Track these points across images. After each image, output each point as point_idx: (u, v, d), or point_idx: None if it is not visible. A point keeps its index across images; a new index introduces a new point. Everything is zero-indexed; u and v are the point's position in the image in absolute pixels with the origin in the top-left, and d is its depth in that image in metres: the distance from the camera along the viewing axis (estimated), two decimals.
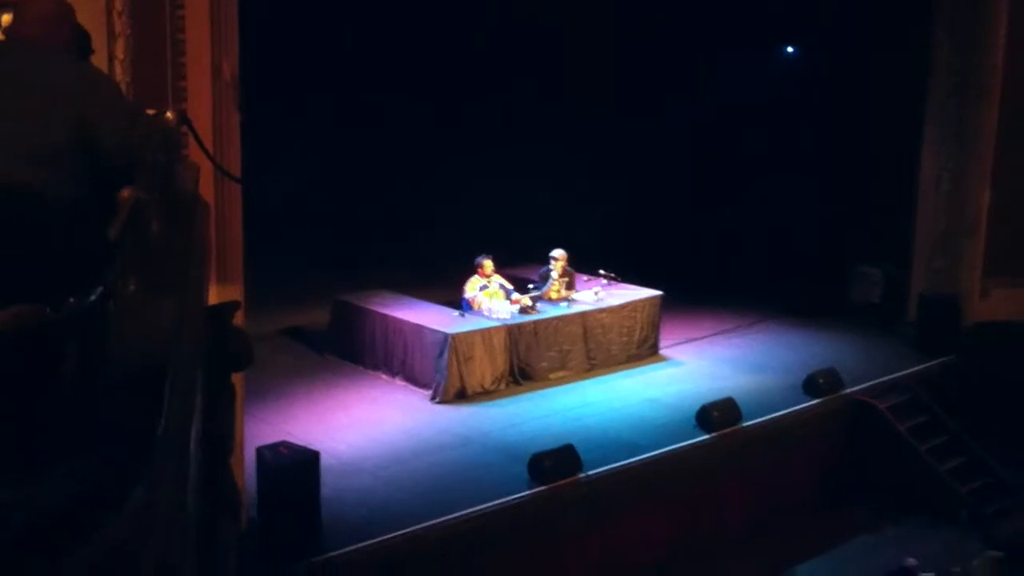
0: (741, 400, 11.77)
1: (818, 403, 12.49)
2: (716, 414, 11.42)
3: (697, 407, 11.57)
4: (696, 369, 13.49)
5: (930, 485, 12.32)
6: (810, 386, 12.61)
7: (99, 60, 6.49)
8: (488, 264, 12.99)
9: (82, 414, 2.01)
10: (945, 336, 14.45)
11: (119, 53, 6.88)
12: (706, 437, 11.31)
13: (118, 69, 6.88)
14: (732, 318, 15.52)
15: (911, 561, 10.24)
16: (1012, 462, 12.76)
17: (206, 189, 5.68)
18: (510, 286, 13.15)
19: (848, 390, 12.85)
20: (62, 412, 2.04)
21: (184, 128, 3.18)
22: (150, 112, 3.05)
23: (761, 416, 11.88)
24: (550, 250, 13.50)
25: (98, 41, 6.85)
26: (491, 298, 12.83)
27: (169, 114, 3.09)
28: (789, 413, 12.19)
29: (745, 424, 11.65)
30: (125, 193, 2.42)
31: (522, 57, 17.52)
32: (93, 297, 2.20)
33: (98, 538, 1.74)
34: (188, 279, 2.45)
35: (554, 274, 13.40)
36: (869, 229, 16.78)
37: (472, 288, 12.93)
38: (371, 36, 16.38)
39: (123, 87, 6.37)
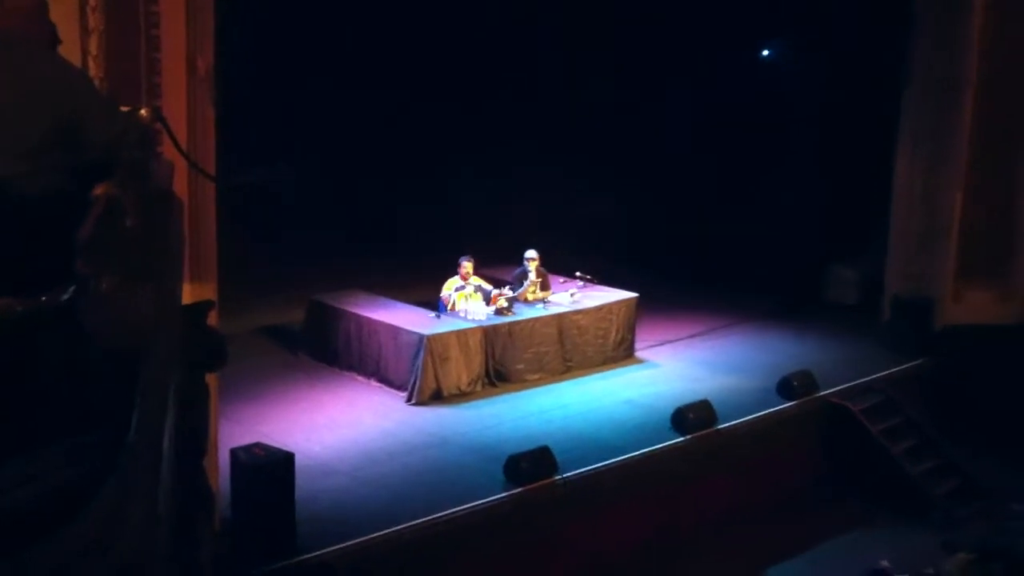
0: (716, 402, 11.79)
1: (793, 405, 12.53)
2: (692, 416, 11.44)
3: (673, 409, 11.58)
4: (672, 371, 13.51)
5: (903, 487, 12.38)
6: (784, 388, 12.65)
7: (72, 56, 6.44)
8: (468, 266, 12.96)
9: (55, 407, 1.98)
10: (918, 338, 14.54)
11: (93, 49, 6.81)
12: (682, 439, 11.32)
13: (92, 65, 6.81)
14: (708, 320, 15.55)
15: (884, 563, 10.28)
16: (984, 464, 12.85)
17: (180, 186, 5.63)
18: (489, 286, 13.12)
19: (822, 392, 12.90)
20: (33, 404, 2.01)
21: (158, 125, 3.15)
22: (125, 109, 3.02)
23: (736, 418, 11.91)
24: (526, 250, 13.51)
25: (71, 36, 6.80)
26: (466, 299, 12.80)
27: (144, 111, 3.06)
28: (764, 416, 12.22)
29: (720, 426, 11.67)
30: (100, 189, 2.39)
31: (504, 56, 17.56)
32: (67, 295, 2.17)
33: (68, 533, 1.71)
34: (162, 275, 2.42)
35: (531, 275, 13.39)
36: (846, 230, 16.89)
37: (448, 288, 12.91)
38: (361, 32, 16.35)
39: (97, 83, 6.31)
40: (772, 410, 12.36)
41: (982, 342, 14.18)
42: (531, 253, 13.45)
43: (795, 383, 12.65)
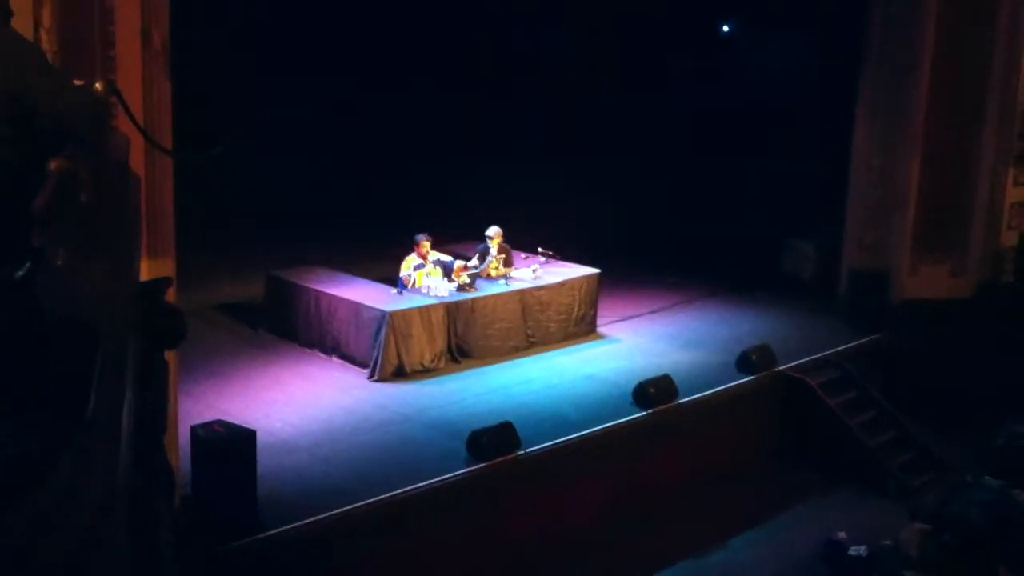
0: (677, 377, 11.87)
1: (752, 380, 12.64)
2: (653, 391, 11.51)
3: (634, 384, 11.65)
4: (633, 346, 13.58)
5: (860, 459, 12.53)
6: (744, 363, 12.76)
7: (24, 29, 6.32)
8: (425, 244, 12.91)
9: (8, 381, 1.95)
10: (874, 312, 14.70)
11: (45, 21, 6.69)
12: (643, 413, 11.40)
13: (44, 37, 6.68)
14: (669, 295, 15.64)
15: (841, 535, 10.43)
16: (939, 436, 13.04)
17: (136, 161, 5.57)
18: (449, 258, 13.08)
19: (781, 367, 13.03)
20: None
21: (113, 98, 3.11)
22: (78, 82, 2.98)
23: (697, 392, 12.00)
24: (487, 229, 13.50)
25: (24, 8, 6.66)
26: (427, 277, 12.77)
27: (98, 84, 3.02)
28: (724, 390, 12.32)
29: (681, 400, 11.76)
30: (54, 163, 2.35)
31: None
32: (22, 271, 2.14)
33: (22, 509, 1.69)
34: (118, 251, 2.40)
35: (492, 251, 13.38)
36: (804, 205, 17.02)
37: (407, 267, 12.85)
38: (350, 18, 16.26)
39: (49, 56, 6.20)
40: (732, 384, 12.47)
41: (937, 316, 14.36)
42: (491, 231, 13.43)
43: (754, 357, 12.76)
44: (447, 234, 14.01)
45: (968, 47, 14.51)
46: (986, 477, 11.01)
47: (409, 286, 12.75)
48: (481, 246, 13.49)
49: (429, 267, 12.85)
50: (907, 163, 14.78)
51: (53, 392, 1.87)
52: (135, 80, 7.59)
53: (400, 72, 17.10)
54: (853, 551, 10.05)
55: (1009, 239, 15.15)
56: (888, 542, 10.39)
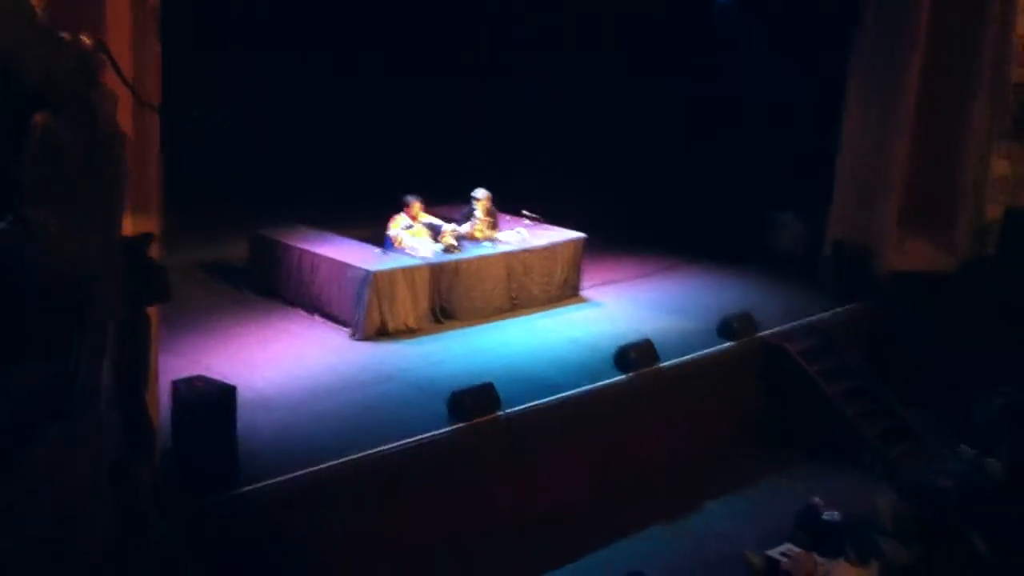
0: (658, 342, 11.94)
1: (732, 346, 12.72)
2: (634, 355, 11.58)
3: (616, 348, 11.71)
4: (616, 311, 13.63)
5: (838, 427, 12.65)
6: (725, 329, 12.83)
7: None
8: (416, 205, 12.90)
9: None
10: (859, 284, 14.78)
11: None
12: (623, 377, 11.47)
13: None
14: (653, 262, 15.67)
15: (817, 500, 10.54)
16: (916, 407, 13.16)
17: (124, 118, 5.54)
18: (439, 222, 13.07)
19: (761, 333, 13.11)
20: None
21: (102, 55, 3.10)
22: (66, 37, 2.97)
23: (677, 357, 12.08)
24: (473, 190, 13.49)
25: None
26: (415, 237, 12.77)
27: (86, 39, 3.02)
28: (704, 355, 12.39)
29: (662, 365, 11.84)
30: (39, 118, 2.36)
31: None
32: (3, 223, 2.15)
33: (9, 473, 1.71)
34: (104, 208, 2.41)
35: (478, 213, 13.38)
36: (793, 178, 17.01)
37: (396, 226, 12.84)
38: None
39: (38, 12, 6.15)
40: (712, 350, 12.54)
41: (921, 288, 14.44)
42: (479, 192, 13.43)
43: (735, 324, 12.83)
44: (437, 197, 13.97)
45: (960, 25, 14.46)
46: (962, 447, 11.14)
47: (396, 245, 12.75)
48: (467, 208, 13.49)
49: (418, 227, 12.84)
50: (897, 139, 14.78)
51: (35, 349, 1.89)
52: (125, 37, 7.51)
53: (396, 54, 17.03)
54: (827, 516, 10.16)
55: (994, 214, 15.21)
56: (864, 511, 10.51)
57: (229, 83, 15.02)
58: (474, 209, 13.40)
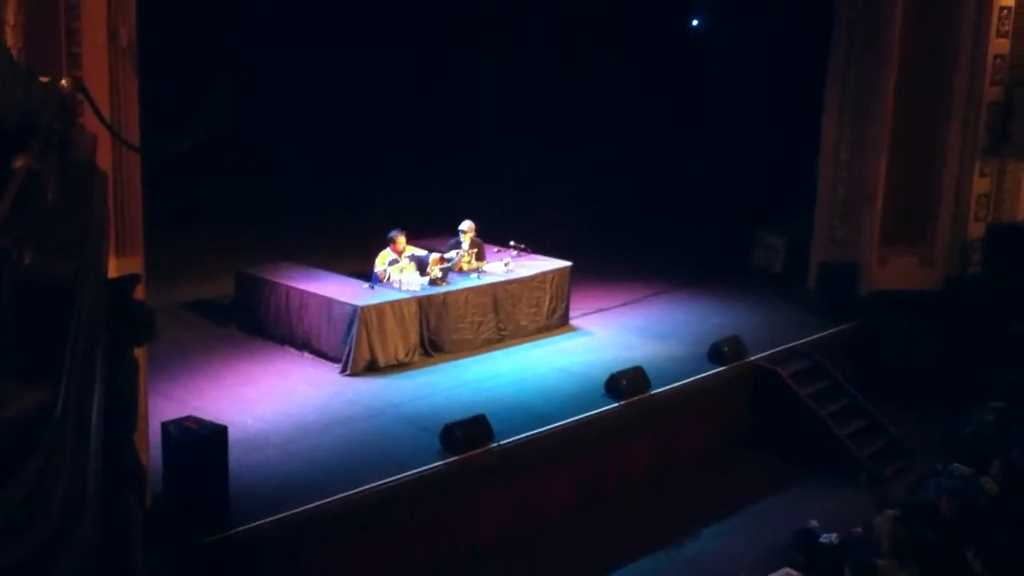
0: (649, 368, 11.92)
1: (723, 370, 12.72)
2: (625, 382, 11.56)
3: (606, 376, 11.69)
4: (605, 338, 13.62)
5: (831, 448, 12.63)
6: (715, 354, 12.83)
7: None
8: (401, 239, 12.90)
9: None
10: (844, 303, 14.81)
11: (10, 18, 6.62)
12: (615, 405, 11.44)
13: (9, 34, 6.61)
14: (640, 288, 15.68)
15: (813, 523, 10.50)
16: (907, 425, 13.17)
17: (104, 158, 5.53)
18: (424, 252, 13.06)
19: (751, 357, 13.11)
20: None
21: (80, 96, 3.09)
22: (44, 79, 2.95)
23: (668, 384, 12.06)
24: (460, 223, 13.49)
25: None
26: (401, 272, 12.76)
27: (64, 81, 3.00)
28: (695, 380, 12.39)
29: (653, 392, 11.81)
30: (18, 162, 2.33)
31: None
32: None
33: None
34: (86, 250, 2.38)
35: (464, 245, 13.37)
36: (774, 198, 17.11)
37: (382, 262, 12.83)
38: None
39: (15, 53, 6.15)
40: (703, 375, 12.53)
41: (905, 307, 14.48)
42: (465, 225, 13.43)
43: (725, 348, 12.83)
44: (421, 230, 13.97)
45: (934, 41, 14.61)
46: (955, 464, 11.13)
47: (383, 281, 12.73)
48: (453, 240, 13.49)
49: (404, 262, 12.83)
50: (875, 156, 14.89)
51: (20, 392, 1.86)
52: (102, 77, 7.53)
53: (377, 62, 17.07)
54: (824, 539, 10.11)
55: (976, 231, 15.30)
56: (859, 530, 10.46)
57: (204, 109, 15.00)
58: (460, 240, 13.40)
